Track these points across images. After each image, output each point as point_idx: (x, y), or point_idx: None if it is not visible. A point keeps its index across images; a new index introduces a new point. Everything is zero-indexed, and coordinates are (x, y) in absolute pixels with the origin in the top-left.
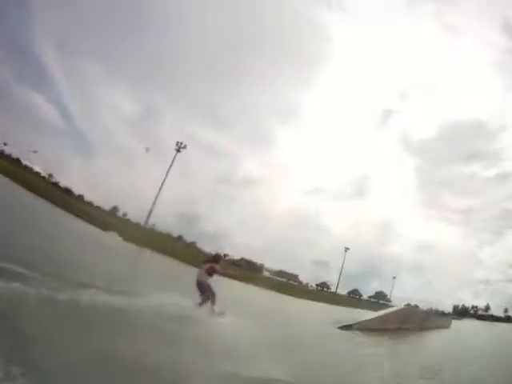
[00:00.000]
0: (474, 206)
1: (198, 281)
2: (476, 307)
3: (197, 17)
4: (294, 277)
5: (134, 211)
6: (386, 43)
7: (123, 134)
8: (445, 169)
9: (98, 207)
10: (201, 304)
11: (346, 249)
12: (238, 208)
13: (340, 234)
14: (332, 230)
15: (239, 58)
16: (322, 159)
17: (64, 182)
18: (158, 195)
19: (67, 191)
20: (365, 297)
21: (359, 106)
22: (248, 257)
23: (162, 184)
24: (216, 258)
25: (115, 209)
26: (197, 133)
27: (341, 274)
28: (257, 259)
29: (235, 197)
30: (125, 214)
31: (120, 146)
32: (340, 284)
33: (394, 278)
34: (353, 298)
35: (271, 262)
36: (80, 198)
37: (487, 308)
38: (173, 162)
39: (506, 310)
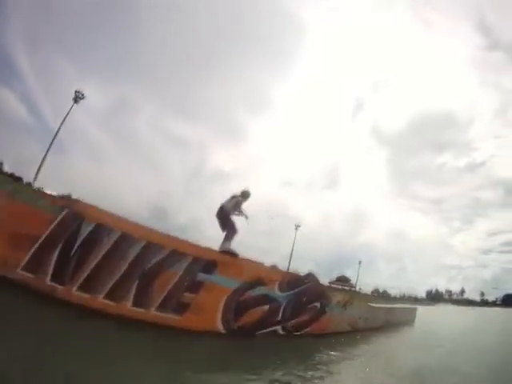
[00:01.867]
0: (445, 195)
1: (219, 209)
2: (450, 291)
3: (169, 11)
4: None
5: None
6: (359, 35)
7: (95, 129)
8: (416, 159)
9: None
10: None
11: (297, 226)
12: (209, 201)
13: (313, 224)
14: (305, 221)
15: (211, 50)
16: (294, 151)
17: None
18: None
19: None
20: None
21: (331, 97)
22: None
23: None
24: (243, 195)
25: None
26: (169, 126)
27: (291, 255)
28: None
29: (207, 190)
30: None
31: (92, 142)
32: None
33: (360, 262)
34: None
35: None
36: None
37: (462, 292)
38: (68, 113)
39: (482, 294)
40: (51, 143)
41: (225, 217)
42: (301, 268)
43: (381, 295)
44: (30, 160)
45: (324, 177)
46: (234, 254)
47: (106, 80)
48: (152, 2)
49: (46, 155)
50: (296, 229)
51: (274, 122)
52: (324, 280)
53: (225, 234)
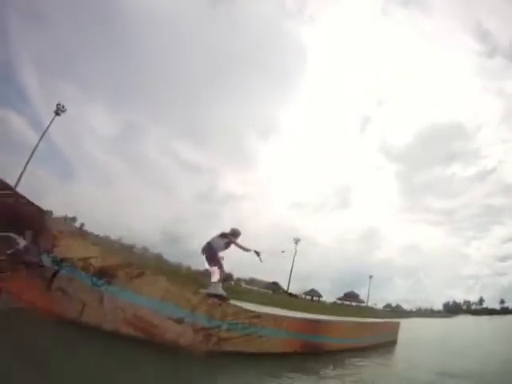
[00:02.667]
0: (457, 205)
1: (206, 246)
2: (468, 302)
3: (174, 38)
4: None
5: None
6: (360, 52)
7: (104, 153)
8: (425, 172)
9: None
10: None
11: (296, 240)
12: (220, 224)
13: (326, 245)
14: (318, 242)
15: (217, 76)
16: (303, 172)
17: (45, 206)
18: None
19: None
20: (330, 298)
21: (337, 115)
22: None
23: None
24: (234, 233)
25: None
26: (178, 151)
27: (291, 272)
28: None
29: (217, 213)
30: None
31: (101, 166)
32: (331, 292)
33: (371, 277)
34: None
35: (260, 276)
36: None
37: (481, 301)
38: (50, 124)
39: (502, 301)
40: (32, 153)
41: (212, 255)
42: (317, 288)
43: (393, 310)
44: (38, 183)
45: (335, 196)
46: (223, 298)
47: (114, 104)
48: (159, 30)
49: (26, 164)
50: (296, 243)
51: (283, 144)
52: (333, 297)
53: (212, 273)
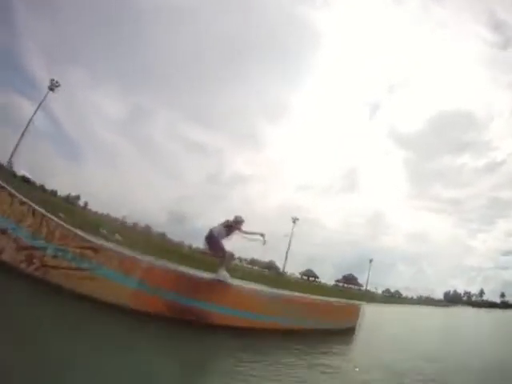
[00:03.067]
0: (465, 195)
1: (208, 234)
2: (469, 293)
3: (185, 21)
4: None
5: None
6: (372, 38)
7: (112, 135)
8: (434, 160)
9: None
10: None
11: (294, 219)
12: (228, 205)
13: (333, 228)
14: (325, 224)
15: (227, 58)
16: (312, 155)
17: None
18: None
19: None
20: (329, 280)
21: (347, 100)
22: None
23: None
24: (237, 221)
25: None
26: (187, 133)
27: (287, 252)
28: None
29: (225, 195)
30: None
31: (109, 148)
32: (334, 276)
33: (371, 260)
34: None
35: (265, 257)
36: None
37: (481, 293)
38: (44, 99)
39: (502, 295)
40: (26, 127)
41: (214, 242)
42: (319, 270)
43: (392, 296)
44: (47, 166)
45: (342, 180)
46: (225, 285)
47: (122, 87)
48: (168, 10)
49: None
50: (294, 222)
51: (292, 127)
52: (332, 279)
53: (218, 260)
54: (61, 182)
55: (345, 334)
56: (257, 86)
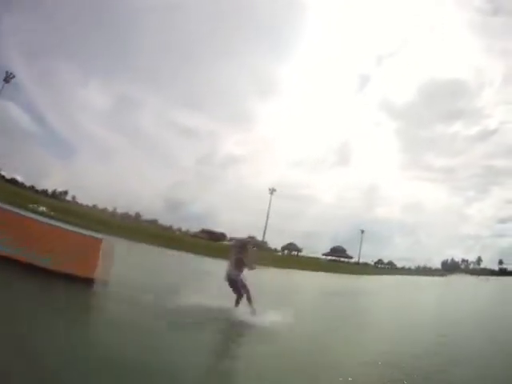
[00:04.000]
0: (458, 164)
1: (228, 277)
2: (466, 261)
3: (169, 3)
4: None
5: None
6: (359, 8)
7: (101, 129)
8: (427, 129)
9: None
10: (237, 303)
11: (272, 190)
12: (223, 186)
13: (328, 203)
14: (320, 200)
15: (212, 38)
16: (304, 131)
17: (47, 186)
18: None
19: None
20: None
21: (337, 73)
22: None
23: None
24: (242, 246)
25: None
26: (176, 118)
27: (266, 225)
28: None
29: (219, 176)
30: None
31: (100, 142)
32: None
33: (363, 231)
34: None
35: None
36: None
37: (479, 261)
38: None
39: (500, 262)
40: None
41: (237, 284)
42: (317, 245)
43: (385, 267)
44: (38, 166)
45: (335, 154)
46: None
47: (107, 78)
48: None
49: None
50: (271, 193)
51: (282, 104)
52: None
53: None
54: (53, 180)
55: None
56: (245, 64)
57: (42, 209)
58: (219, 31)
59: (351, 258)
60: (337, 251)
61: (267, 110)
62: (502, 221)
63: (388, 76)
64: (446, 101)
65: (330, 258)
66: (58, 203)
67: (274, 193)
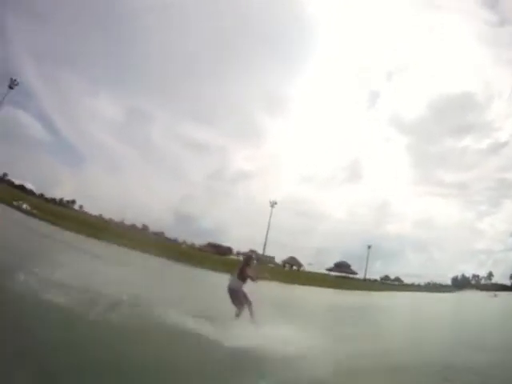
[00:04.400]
0: (470, 178)
1: (229, 287)
2: (477, 276)
3: (177, 17)
4: (270, 258)
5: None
6: (368, 23)
7: (111, 140)
8: (437, 144)
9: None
10: (237, 315)
11: (273, 204)
12: (232, 201)
13: (338, 218)
14: (330, 216)
15: (222, 52)
16: (314, 146)
17: (57, 195)
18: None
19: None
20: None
21: (346, 89)
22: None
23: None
24: (246, 260)
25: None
26: (186, 132)
27: (266, 239)
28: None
29: (230, 191)
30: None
31: (109, 153)
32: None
33: (369, 247)
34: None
35: (273, 252)
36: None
37: (490, 276)
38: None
39: (511, 277)
40: None
41: (239, 296)
42: (327, 261)
43: (392, 282)
44: (50, 175)
45: (345, 170)
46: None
47: (118, 91)
48: (159, 9)
49: None
50: (272, 206)
51: (292, 119)
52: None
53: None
54: (62, 188)
55: None
56: (255, 79)
57: (26, 206)
58: (229, 47)
59: (356, 273)
60: (341, 266)
61: (277, 125)
62: None
63: (397, 92)
64: (455, 114)
65: (334, 273)
66: (62, 210)
67: (283, 208)
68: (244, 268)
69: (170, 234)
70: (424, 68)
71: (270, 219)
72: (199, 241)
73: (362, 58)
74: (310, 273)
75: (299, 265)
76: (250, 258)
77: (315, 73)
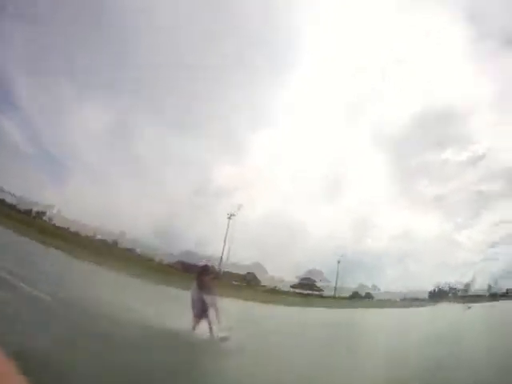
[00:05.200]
0: (449, 191)
1: (192, 298)
2: (454, 289)
3: (166, 29)
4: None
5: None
6: (352, 37)
7: (96, 152)
8: (417, 157)
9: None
10: (193, 328)
11: (230, 215)
12: (216, 217)
13: (317, 234)
14: (309, 231)
15: (207, 67)
16: (296, 162)
17: (40, 208)
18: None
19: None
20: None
21: (329, 104)
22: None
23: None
24: (201, 269)
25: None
26: (168, 144)
27: (223, 250)
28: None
29: (212, 206)
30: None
31: (94, 165)
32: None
33: (339, 262)
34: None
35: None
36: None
37: (467, 287)
38: None
39: (489, 288)
40: None
41: (199, 304)
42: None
43: (361, 297)
44: (35, 187)
45: (327, 185)
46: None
47: (103, 103)
48: (150, 22)
49: None
50: (229, 218)
51: (274, 134)
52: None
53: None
54: (43, 200)
55: None
56: (239, 93)
57: None
58: (213, 61)
59: (322, 290)
60: (304, 284)
61: (260, 139)
62: (494, 245)
63: (379, 106)
64: (435, 128)
65: (298, 291)
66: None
67: (265, 222)
68: (201, 277)
69: (147, 249)
70: (404, 81)
71: (226, 232)
72: (175, 257)
73: (344, 73)
74: (274, 289)
75: (257, 281)
76: (204, 267)
77: (299, 87)
